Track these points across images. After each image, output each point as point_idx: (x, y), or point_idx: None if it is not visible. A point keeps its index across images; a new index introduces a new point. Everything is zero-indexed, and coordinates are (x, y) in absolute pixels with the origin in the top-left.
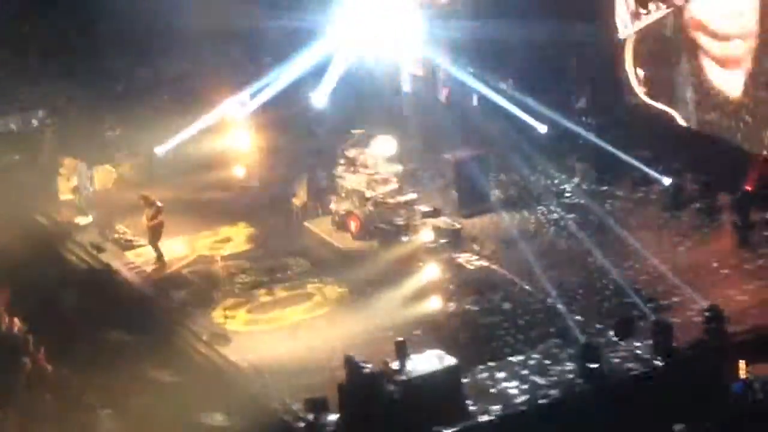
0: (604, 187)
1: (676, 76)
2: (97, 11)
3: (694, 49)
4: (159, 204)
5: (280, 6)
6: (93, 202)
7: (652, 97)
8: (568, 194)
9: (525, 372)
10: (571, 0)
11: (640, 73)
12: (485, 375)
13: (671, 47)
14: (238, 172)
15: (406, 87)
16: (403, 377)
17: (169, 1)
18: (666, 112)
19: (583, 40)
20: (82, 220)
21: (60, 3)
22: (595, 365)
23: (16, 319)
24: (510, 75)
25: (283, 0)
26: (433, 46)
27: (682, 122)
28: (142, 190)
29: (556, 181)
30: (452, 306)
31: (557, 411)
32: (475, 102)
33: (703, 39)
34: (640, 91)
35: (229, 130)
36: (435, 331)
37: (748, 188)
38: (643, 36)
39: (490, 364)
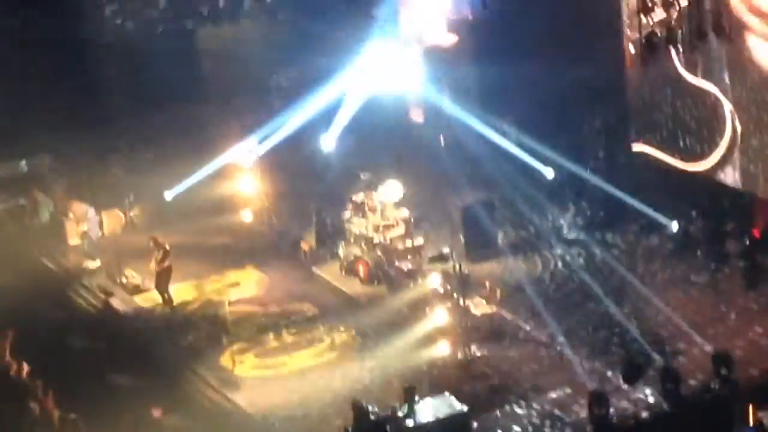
0: (612, 232)
1: None
2: (107, 56)
3: None
4: (167, 248)
5: (289, 51)
6: (101, 247)
7: None
8: (574, 239)
9: (534, 419)
10: (580, 44)
11: None
12: (494, 422)
13: None
14: (247, 216)
15: (413, 130)
16: (412, 423)
17: (179, 47)
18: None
19: (592, 85)
20: (90, 264)
21: (69, 48)
22: (603, 411)
23: (23, 363)
24: (516, 118)
25: (292, 44)
26: (438, 90)
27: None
28: (150, 234)
29: (563, 226)
30: (460, 351)
31: None
32: (480, 145)
33: None
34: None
35: (238, 175)
36: (443, 377)
37: (756, 234)
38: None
39: (499, 411)
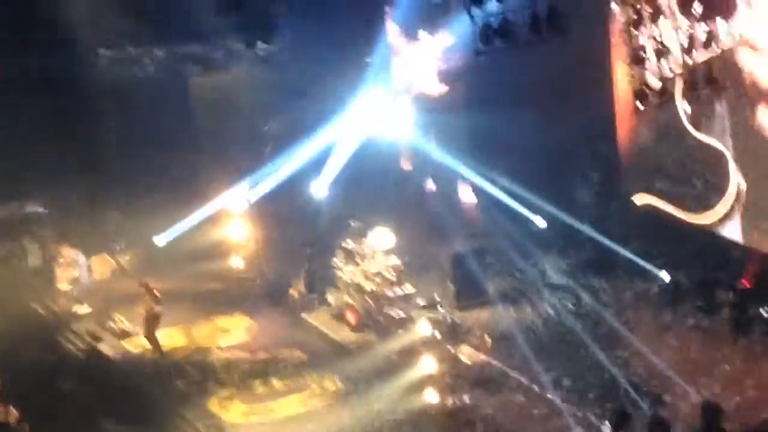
0: (602, 281)
1: None
2: (100, 102)
3: None
4: (157, 294)
5: (281, 98)
6: (91, 292)
7: None
8: (564, 288)
9: None
10: (572, 94)
11: None
12: None
13: None
14: (236, 262)
15: (404, 178)
16: None
17: (172, 94)
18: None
19: (583, 135)
20: (79, 309)
21: (62, 93)
22: None
23: (11, 408)
24: (507, 167)
25: (285, 91)
26: (428, 138)
27: None
28: (141, 279)
29: (552, 275)
30: (450, 400)
31: None
32: (471, 194)
33: None
34: None
35: (229, 221)
36: (432, 426)
37: (746, 284)
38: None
39: None
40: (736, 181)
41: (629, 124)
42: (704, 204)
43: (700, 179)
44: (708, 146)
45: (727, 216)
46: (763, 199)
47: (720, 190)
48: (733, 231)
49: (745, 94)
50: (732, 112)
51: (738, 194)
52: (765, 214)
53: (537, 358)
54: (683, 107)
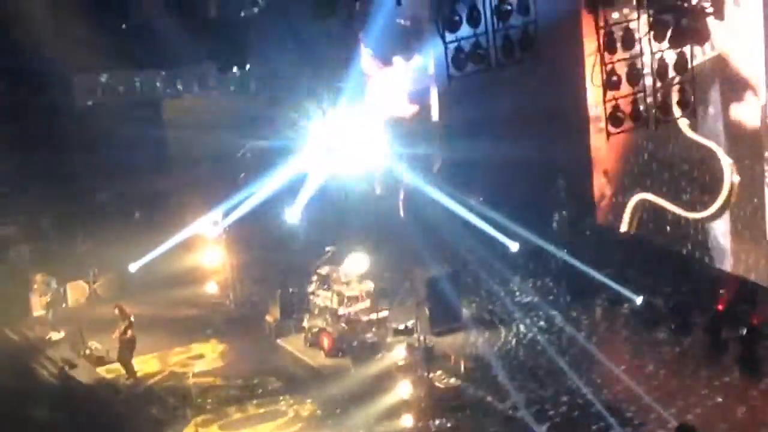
0: (576, 306)
1: None
2: (73, 127)
3: None
4: (131, 318)
5: (254, 123)
6: (65, 318)
7: None
8: (539, 312)
9: None
10: (545, 118)
11: None
12: None
13: None
14: (211, 288)
15: (378, 203)
16: None
17: (141, 117)
18: (636, 231)
19: (556, 159)
20: (54, 336)
21: (34, 118)
22: None
23: None
24: (481, 191)
25: (258, 117)
26: (402, 162)
27: None
28: (116, 302)
29: (527, 299)
30: (424, 424)
31: None
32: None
33: None
34: None
35: (202, 247)
36: None
37: (719, 307)
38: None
39: None
40: (729, 179)
41: (602, 147)
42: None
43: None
44: (700, 146)
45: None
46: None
47: (712, 189)
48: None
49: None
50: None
51: (731, 191)
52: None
53: (511, 383)
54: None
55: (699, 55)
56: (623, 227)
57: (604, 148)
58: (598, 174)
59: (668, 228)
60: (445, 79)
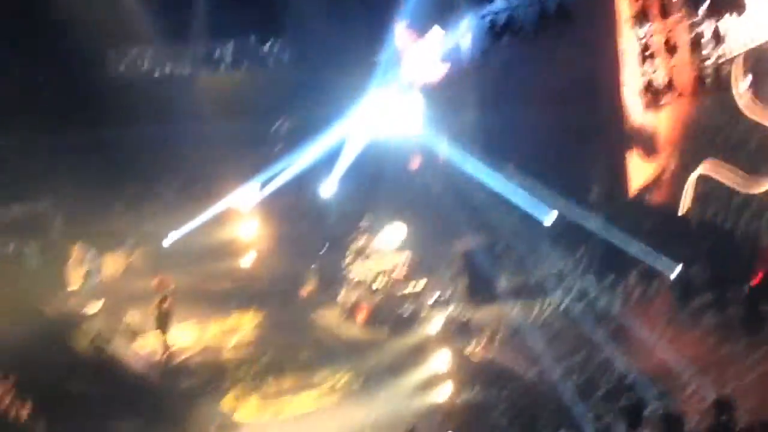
0: (612, 277)
1: None
2: (110, 100)
3: None
4: (169, 291)
5: (290, 96)
6: (101, 291)
7: None
8: (575, 283)
9: None
10: (579, 91)
11: None
12: None
13: None
14: (247, 261)
15: (414, 175)
16: None
17: (178, 90)
18: (673, 203)
19: (593, 130)
20: (89, 309)
21: (73, 92)
22: None
23: (23, 408)
24: (517, 162)
25: (294, 90)
26: (438, 134)
27: None
28: (151, 278)
29: (562, 270)
30: (461, 396)
31: None
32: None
33: None
34: None
35: (238, 219)
36: (443, 422)
37: (756, 281)
38: None
39: None
40: None
41: (637, 119)
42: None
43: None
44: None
45: None
46: None
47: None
48: None
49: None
50: None
51: None
52: None
53: (546, 355)
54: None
55: None
56: (681, 203)
57: (641, 119)
58: (636, 146)
59: (717, 202)
60: (480, 50)
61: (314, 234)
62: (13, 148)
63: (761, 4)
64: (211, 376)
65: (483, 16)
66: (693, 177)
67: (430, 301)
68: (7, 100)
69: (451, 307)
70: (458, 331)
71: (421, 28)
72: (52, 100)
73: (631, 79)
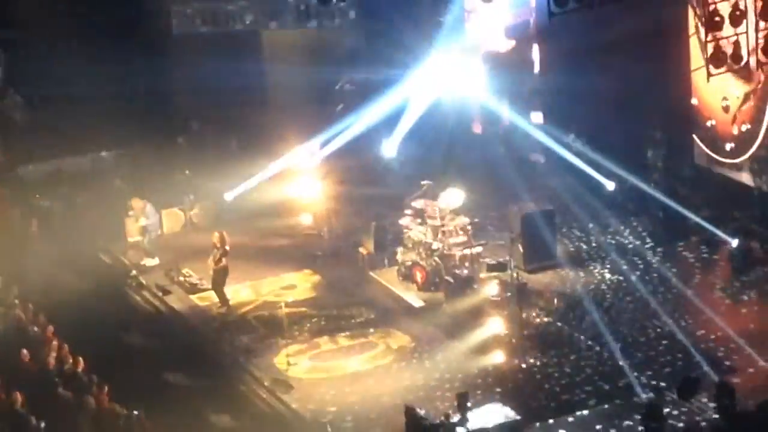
0: (671, 247)
1: None
2: (174, 56)
3: None
4: (227, 247)
5: (354, 55)
6: (160, 245)
7: None
8: (633, 252)
9: (587, 430)
10: (642, 57)
11: None
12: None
13: None
14: (305, 219)
15: (475, 139)
16: (464, 430)
17: (241, 48)
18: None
19: (657, 98)
20: (148, 262)
21: (137, 46)
22: (657, 425)
23: (80, 359)
24: (579, 128)
25: (358, 49)
26: (500, 98)
27: None
28: (210, 233)
29: (622, 239)
30: (515, 361)
31: None
32: (541, 154)
33: None
34: None
35: (298, 178)
36: (497, 386)
37: None
38: None
39: (552, 421)
40: None
41: (704, 87)
42: None
43: None
44: None
45: None
46: None
47: None
48: None
49: None
50: None
51: None
52: None
53: (604, 322)
54: None
55: None
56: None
57: (705, 88)
58: (700, 115)
59: None
60: (546, 15)
61: (374, 194)
62: (77, 101)
63: None
64: (267, 333)
65: None
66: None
67: (488, 265)
68: (71, 54)
69: (508, 272)
70: (515, 296)
71: None
72: (115, 55)
73: (698, 46)
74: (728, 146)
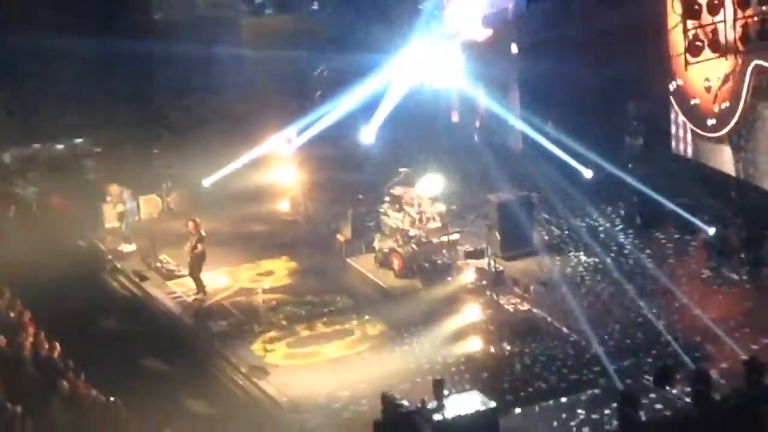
0: (648, 234)
1: None
2: (152, 44)
3: None
4: (203, 233)
5: (332, 42)
6: (137, 231)
7: None
8: (610, 240)
9: (562, 417)
10: (620, 45)
11: None
12: (522, 419)
13: None
14: (283, 206)
15: (453, 127)
16: (440, 417)
17: (220, 36)
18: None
19: (634, 87)
20: (125, 248)
21: (114, 35)
22: (633, 413)
23: (56, 344)
24: (556, 117)
25: (336, 36)
26: (478, 86)
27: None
28: (187, 219)
29: (599, 227)
30: (492, 348)
31: None
32: (518, 142)
33: None
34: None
35: (276, 164)
36: (474, 373)
37: None
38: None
39: (528, 408)
40: None
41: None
42: None
43: None
44: None
45: None
46: None
47: None
48: None
49: None
50: None
51: None
52: None
53: (580, 309)
54: None
55: None
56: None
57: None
58: (685, 94)
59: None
60: (524, 2)
61: (351, 181)
62: (53, 87)
63: None
64: (244, 319)
65: None
66: None
67: (465, 252)
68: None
69: (485, 259)
70: (492, 283)
71: None
72: (94, 43)
73: (676, 34)
74: (710, 122)
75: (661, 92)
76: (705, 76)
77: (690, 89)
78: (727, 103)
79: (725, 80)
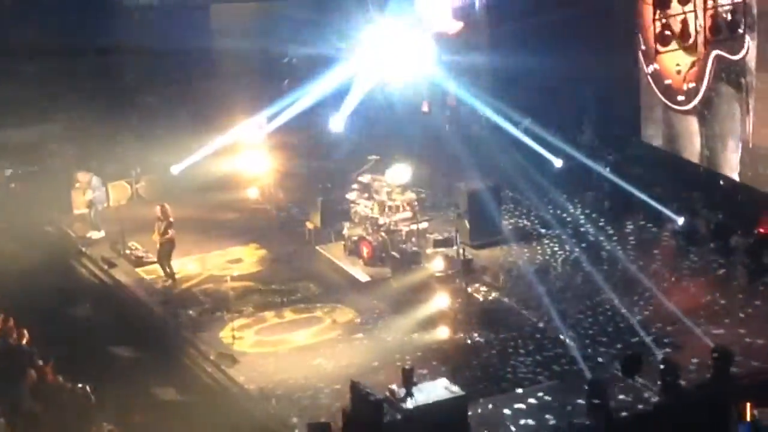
0: (617, 224)
1: None
2: (121, 29)
3: None
4: (171, 219)
5: (303, 30)
6: (106, 217)
7: None
8: (580, 229)
9: (531, 406)
10: (590, 34)
11: None
12: (491, 407)
13: None
14: (252, 193)
15: (423, 115)
16: (409, 405)
17: (189, 22)
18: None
19: (601, 75)
20: (94, 235)
21: (82, 19)
22: (601, 402)
23: (24, 331)
24: (525, 106)
25: (307, 23)
26: (448, 76)
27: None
28: (156, 206)
29: (568, 216)
30: (460, 336)
31: None
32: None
33: None
34: None
35: (245, 152)
36: (442, 361)
37: (761, 231)
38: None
39: (497, 396)
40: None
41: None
42: None
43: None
44: None
45: None
46: None
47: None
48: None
49: None
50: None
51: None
52: None
53: (549, 298)
54: None
55: None
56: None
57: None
58: (660, 76)
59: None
60: None
61: (320, 169)
62: (22, 72)
63: None
64: (213, 306)
65: None
66: None
67: (434, 240)
68: (17, 25)
69: (454, 247)
70: (460, 271)
71: None
72: (64, 27)
73: (646, 25)
74: (680, 98)
75: (632, 82)
76: (676, 61)
77: (664, 71)
78: (693, 84)
79: (693, 65)
